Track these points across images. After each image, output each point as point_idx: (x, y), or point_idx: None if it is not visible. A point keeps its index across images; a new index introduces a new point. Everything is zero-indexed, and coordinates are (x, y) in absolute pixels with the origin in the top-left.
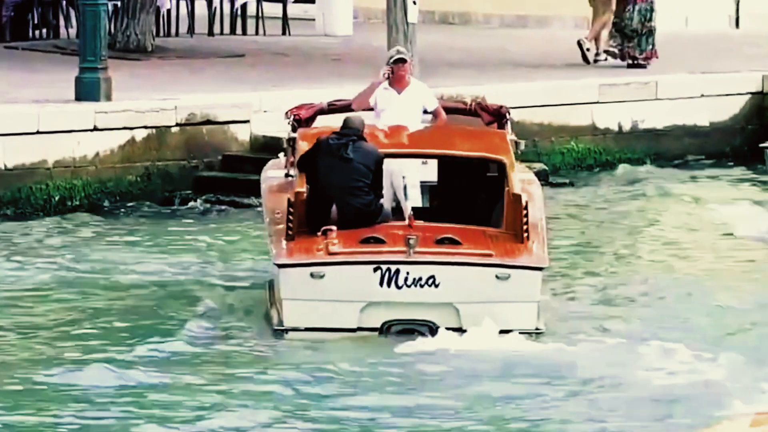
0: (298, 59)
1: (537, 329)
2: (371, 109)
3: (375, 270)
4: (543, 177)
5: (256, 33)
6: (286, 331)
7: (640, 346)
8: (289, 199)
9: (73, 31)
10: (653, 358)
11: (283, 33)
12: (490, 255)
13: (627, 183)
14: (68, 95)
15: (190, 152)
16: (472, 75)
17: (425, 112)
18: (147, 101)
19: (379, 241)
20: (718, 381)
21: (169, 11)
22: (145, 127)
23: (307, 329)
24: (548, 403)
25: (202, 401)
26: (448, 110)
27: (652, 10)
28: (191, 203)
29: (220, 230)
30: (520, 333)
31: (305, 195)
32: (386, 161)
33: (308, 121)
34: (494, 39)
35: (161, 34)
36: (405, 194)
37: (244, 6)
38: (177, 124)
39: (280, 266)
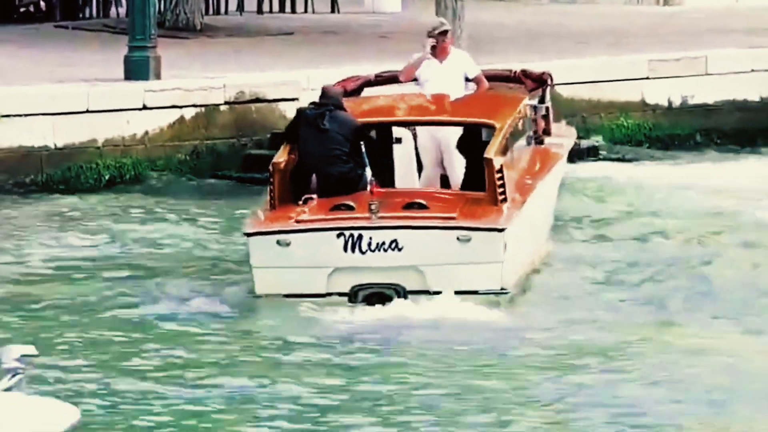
0: (346, 37)
1: (502, 289)
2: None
3: (338, 236)
4: (593, 153)
5: (305, 11)
6: (259, 297)
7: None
8: (268, 170)
9: (122, 10)
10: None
11: (332, 11)
12: (452, 218)
13: (675, 158)
14: (117, 74)
15: (238, 130)
16: (521, 51)
17: (467, 79)
18: (196, 80)
19: (349, 208)
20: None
21: None
22: (194, 106)
23: (277, 296)
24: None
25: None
26: (492, 78)
27: None
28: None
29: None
30: (484, 293)
31: (284, 165)
32: (429, 130)
33: (354, 93)
34: (543, 15)
35: (210, 12)
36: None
37: None
38: (226, 103)
39: (248, 235)
